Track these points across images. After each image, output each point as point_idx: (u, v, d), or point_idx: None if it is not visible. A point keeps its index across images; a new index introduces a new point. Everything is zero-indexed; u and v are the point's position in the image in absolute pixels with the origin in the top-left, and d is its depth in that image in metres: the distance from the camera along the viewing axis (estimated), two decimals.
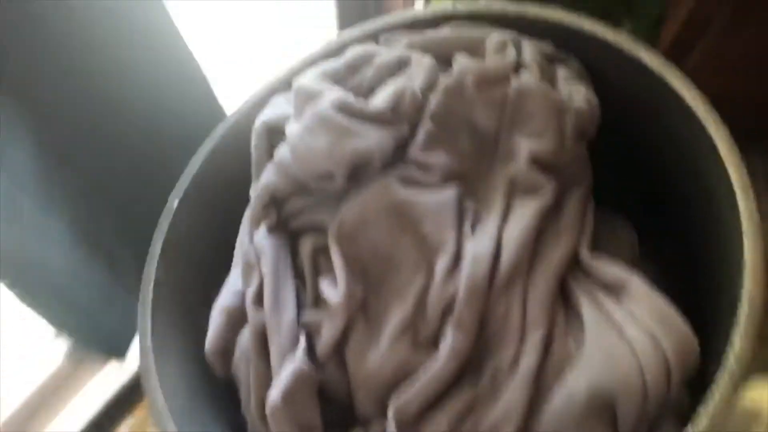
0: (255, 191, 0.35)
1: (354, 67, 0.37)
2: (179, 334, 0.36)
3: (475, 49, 0.36)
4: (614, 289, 0.31)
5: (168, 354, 0.35)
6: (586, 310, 0.31)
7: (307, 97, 0.34)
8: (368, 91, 0.37)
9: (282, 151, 0.34)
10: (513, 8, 0.38)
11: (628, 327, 0.29)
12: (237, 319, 0.34)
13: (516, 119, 0.33)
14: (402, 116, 0.34)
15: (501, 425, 0.29)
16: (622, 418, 0.29)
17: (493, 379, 0.30)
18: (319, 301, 0.33)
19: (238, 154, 0.38)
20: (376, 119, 0.32)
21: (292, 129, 0.33)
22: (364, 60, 0.38)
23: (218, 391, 0.35)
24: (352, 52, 0.38)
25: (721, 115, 0.32)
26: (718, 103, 0.32)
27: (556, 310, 0.31)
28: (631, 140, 0.38)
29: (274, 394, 0.30)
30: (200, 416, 0.34)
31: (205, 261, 0.39)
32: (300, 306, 0.33)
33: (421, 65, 0.35)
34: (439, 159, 0.33)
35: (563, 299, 0.32)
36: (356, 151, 0.31)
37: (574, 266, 0.32)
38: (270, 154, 0.36)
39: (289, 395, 0.30)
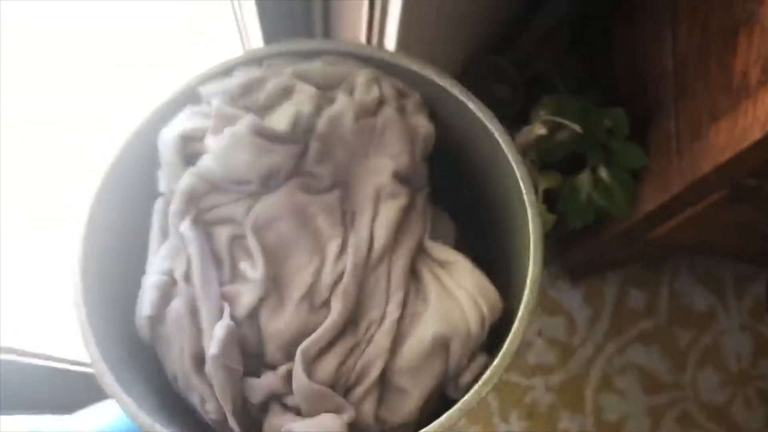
0: (178, 192, 0.43)
1: (248, 89, 0.47)
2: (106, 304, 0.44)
3: (346, 82, 0.47)
4: (447, 266, 0.45)
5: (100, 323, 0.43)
6: (429, 280, 0.44)
7: (225, 119, 0.43)
8: (262, 110, 0.46)
9: (205, 161, 0.43)
10: (373, 53, 0.50)
11: (457, 292, 0.43)
12: (167, 293, 0.43)
13: (381, 143, 0.45)
14: (298, 136, 0.44)
15: (373, 361, 0.42)
16: (453, 353, 0.43)
17: (367, 330, 0.43)
18: (234, 276, 0.44)
19: (143, 157, 0.46)
20: (281, 139, 0.43)
21: (215, 144, 0.42)
22: (257, 83, 0.47)
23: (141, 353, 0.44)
24: (246, 76, 0.47)
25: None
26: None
27: (409, 280, 0.44)
28: (453, 155, 0.52)
29: (214, 347, 0.40)
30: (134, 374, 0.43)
31: (121, 247, 0.47)
32: (220, 283, 0.43)
33: (307, 94, 0.46)
34: (325, 170, 0.45)
35: (413, 272, 0.45)
36: (270, 165, 0.42)
37: (420, 249, 0.46)
38: (184, 160, 0.45)
39: (223, 346, 0.40)
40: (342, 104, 0.45)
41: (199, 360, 0.41)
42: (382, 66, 0.48)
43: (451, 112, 0.48)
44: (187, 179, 0.43)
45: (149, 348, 0.44)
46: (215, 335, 0.40)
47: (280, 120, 0.44)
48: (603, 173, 0.75)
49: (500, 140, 0.45)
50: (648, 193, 0.72)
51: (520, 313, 0.41)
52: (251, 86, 0.46)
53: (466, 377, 0.43)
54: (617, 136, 0.75)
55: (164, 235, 0.45)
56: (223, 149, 0.42)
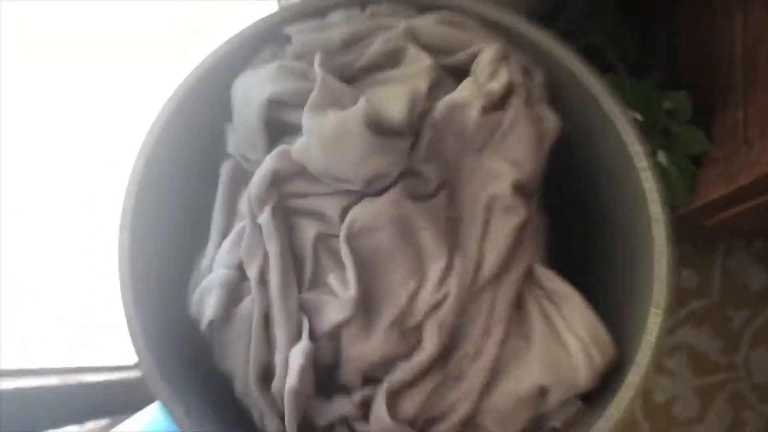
0: (261, 174, 0.36)
1: (348, 44, 0.39)
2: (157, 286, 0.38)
3: (466, 54, 0.40)
4: (556, 300, 0.39)
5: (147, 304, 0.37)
6: (535, 315, 0.38)
7: (331, 95, 0.35)
8: (359, 72, 0.39)
9: (302, 147, 0.35)
10: (505, 18, 0.42)
11: (567, 336, 0.37)
12: (235, 292, 0.37)
13: (503, 143, 0.38)
14: (413, 126, 0.37)
15: (461, 401, 0.37)
16: (550, 403, 0.38)
17: (459, 364, 0.37)
18: (316, 281, 0.38)
19: (204, 108, 0.39)
20: (396, 132, 0.36)
21: (317, 130, 0.35)
22: (359, 38, 0.39)
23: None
24: (348, 28, 0.39)
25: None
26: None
27: (512, 313, 0.38)
28: (561, 150, 0.44)
29: (292, 379, 0.34)
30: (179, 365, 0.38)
31: (175, 215, 0.40)
32: (299, 286, 0.37)
33: (423, 66, 0.38)
34: (434, 169, 0.37)
35: (517, 302, 0.39)
36: (380, 167, 0.35)
37: (527, 276, 0.39)
38: (267, 126, 0.38)
39: (302, 378, 0.34)
40: (468, 90, 0.37)
41: (265, 375, 0.36)
42: (507, 34, 0.41)
43: (573, 96, 0.41)
44: (273, 161, 0.36)
45: (201, 346, 0.39)
46: (294, 364, 0.34)
47: (394, 105, 0.36)
48: (662, 158, 0.69)
49: (624, 133, 0.38)
50: (710, 181, 0.68)
51: (629, 377, 0.35)
52: (353, 40, 0.39)
53: (554, 421, 0.38)
54: (678, 119, 0.68)
55: (230, 210, 0.39)
56: (328, 141, 0.34)
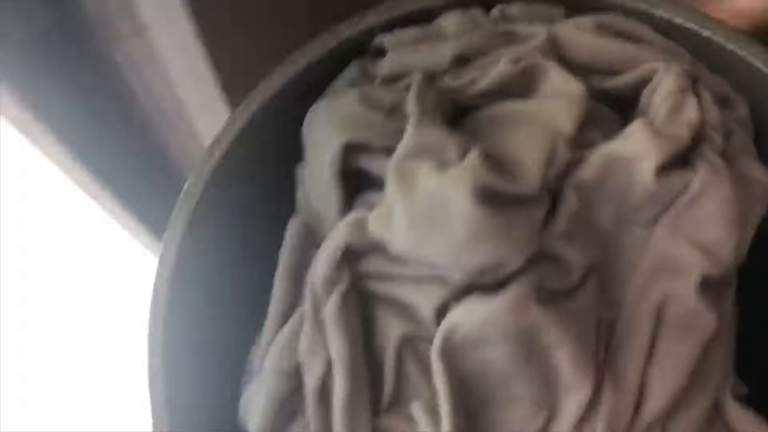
0: (328, 249, 0.26)
1: (462, 63, 0.28)
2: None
3: (633, 74, 0.28)
4: None
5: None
6: None
7: (432, 149, 0.24)
8: (476, 104, 0.28)
9: (380, 218, 0.24)
10: (699, 22, 0.29)
11: None
12: (287, 410, 0.27)
13: (689, 221, 0.25)
14: (548, 187, 0.25)
15: None
16: None
17: None
18: (399, 403, 0.26)
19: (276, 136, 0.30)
20: (523, 203, 0.24)
21: (403, 201, 0.23)
22: (478, 54, 0.28)
23: None
24: (464, 40, 0.28)
25: None
26: None
27: None
28: None
29: None
30: None
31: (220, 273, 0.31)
32: (373, 404, 0.27)
33: (569, 98, 0.26)
34: (577, 252, 0.25)
35: None
36: (494, 257, 0.23)
37: (713, 412, 0.26)
38: (343, 183, 0.27)
39: None
40: (639, 137, 0.25)
41: None
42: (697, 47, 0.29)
43: None
44: (345, 231, 0.26)
45: None
46: None
47: (524, 160, 0.25)
48: None
49: None
50: None
51: None
52: (469, 57, 0.28)
53: None
54: None
55: (296, 282, 0.28)
56: (418, 215, 0.23)
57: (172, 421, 0.27)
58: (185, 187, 0.30)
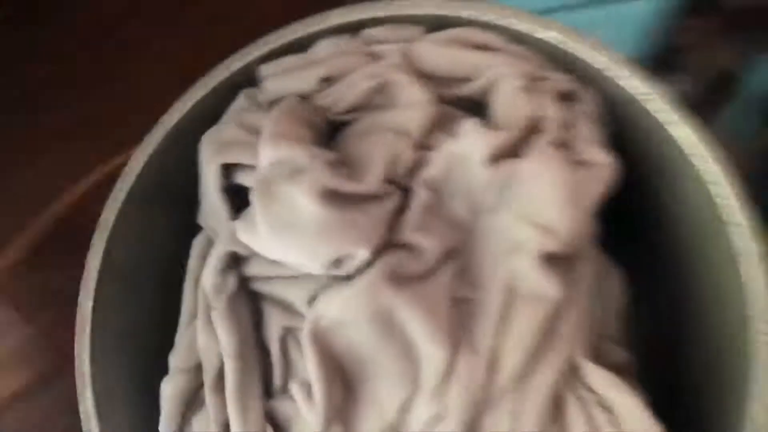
0: (212, 260, 0.30)
1: (328, 81, 0.32)
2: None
3: (481, 81, 0.31)
4: (613, 410, 0.28)
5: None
6: (577, 426, 0.28)
7: (283, 170, 0.28)
8: (345, 112, 0.31)
9: (246, 228, 0.28)
10: (530, 27, 0.33)
11: None
12: (193, 401, 0.30)
13: (525, 204, 0.28)
14: (395, 185, 0.29)
15: None
16: None
17: None
18: (286, 388, 0.30)
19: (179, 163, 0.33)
20: (367, 199, 0.28)
21: (262, 214, 0.27)
22: (342, 74, 0.32)
23: None
24: (331, 65, 0.32)
25: None
26: None
27: (546, 425, 0.28)
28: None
29: None
30: None
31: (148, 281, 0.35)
32: (266, 390, 0.30)
33: (416, 109, 0.30)
34: (432, 241, 0.29)
35: (554, 407, 0.29)
36: (341, 249, 0.27)
37: (570, 372, 0.29)
38: (227, 194, 0.31)
39: None
40: (471, 139, 0.28)
41: None
42: (553, 56, 0.32)
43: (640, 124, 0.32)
44: (226, 242, 0.30)
45: None
46: None
47: (369, 163, 0.28)
48: None
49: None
50: None
51: None
52: (334, 78, 0.32)
53: None
54: None
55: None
56: (271, 225, 0.27)
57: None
58: (102, 216, 0.33)
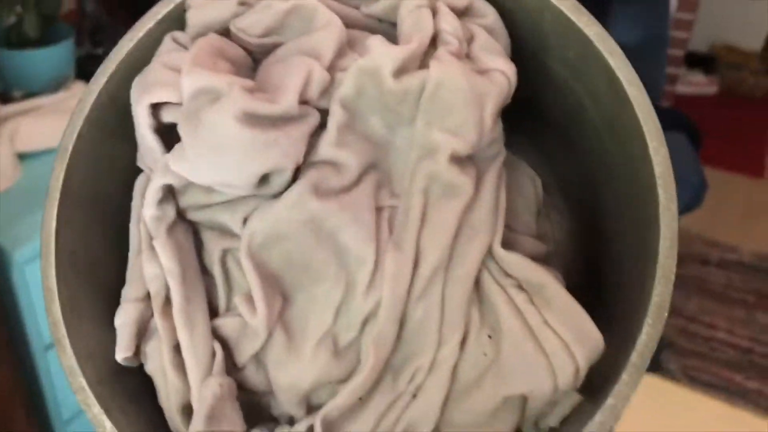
0: (149, 192, 0.32)
1: (247, 4, 0.33)
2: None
3: (384, 5, 0.33)
4: (529, 288, 0.32)
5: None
6: (503, 312, 0.31)
7: (205, 98, 0.29)
8: (261, 35, 0.33)
9: (178, 159, 0.30)
10: None
11: (544, 334, 0.31)
12: (146, 328, 0.32)
13: (434, 112, 0.31)
14: (311, 105, 0.31)
15: (420, 420, 0.31)
16: (531, 408, 0.32)
17: (412, 379, 0.31)
18: (231, 303, 0.33)
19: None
20: (285, 120, 0.30)
21: (190, 142, 0.29)
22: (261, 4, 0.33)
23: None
24: None
25: None
26: None
27: (472, 309, 0.32)
28: (537, 77, 0.37)
29: (198, 421, 0.29)
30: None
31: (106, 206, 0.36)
32: (212, 309, 0.32)
33: (328, 32, 0.32)
34: (351, 154, 0.31)
35: (478, 295, 0.32)
36: (264, 167, 0.29)
37: (488, 260, 0.32)
38: (158, 133, 0.32)
39: (210, 418, 0.30)
40: (378, 53, 0.30)
41: (190, 413, 0.31)
42: None
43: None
44: (161, 174, 0.31)
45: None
46: (201, 405, 0.30)
47: (285, 86, 0.30)
48: None
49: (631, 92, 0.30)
50: None
51: (628, 369, 0.29)
52: (249, 2, 0.33)
53: (550, 421, 0.32)
54: None
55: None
56: (199, 150, 0.29)
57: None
58: (60, 143, 0.34)
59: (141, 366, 0.34)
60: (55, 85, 1.25)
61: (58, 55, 1.25)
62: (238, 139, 0.28)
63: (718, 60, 2.89)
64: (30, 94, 1.22)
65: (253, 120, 0.28)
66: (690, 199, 0.67)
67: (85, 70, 1.32)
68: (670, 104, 2.61)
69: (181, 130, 0.29)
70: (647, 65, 0.48)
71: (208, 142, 0.29)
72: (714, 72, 2.90)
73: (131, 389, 0.34)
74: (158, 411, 0.34)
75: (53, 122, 1.16)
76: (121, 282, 0.34)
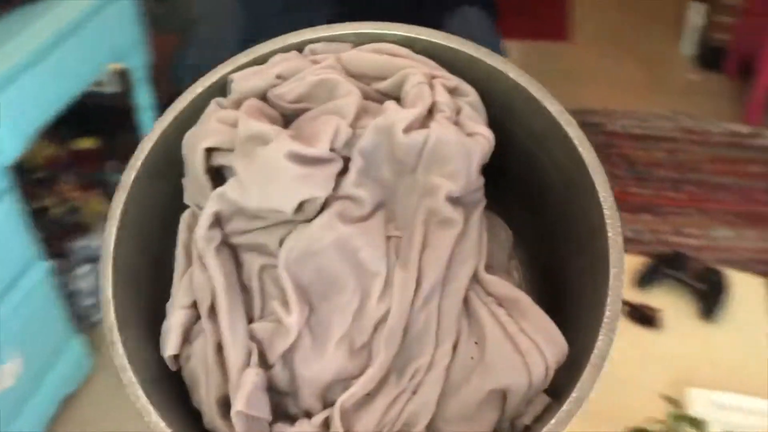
0: (203, 216, 0.39)
1: (283, 78, 0.42)
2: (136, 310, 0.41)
3: (393, 81, 0.42)
4: (507, 305, 0.40)
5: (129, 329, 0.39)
6: (487, 323, 0.39)
7: (257, 141, 0.38)
8: (293, 101, 0.42)
9: (232, 188, 0.38)
10: (430, 38, 0.45)
11: (519, 338, 0.38)
12: (191, 330, 0.39)
13: (433, 161, 0.39)
14: (337, 153, 0.39)
15: (420, 412, 0.38)
16: (510, 403, 0.39)
17: (413, 377, 0.38)
18: (265, 311, 0.40)
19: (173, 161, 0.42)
20: (320, 161, 0.38)
21: (244, 172, 0.37)
22: (291, 72, 0.42)
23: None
24: (284, 66, 0.42)
25: None
26: None
27: (461, 320, 0.39)
28: (507, 149, 0.45)
29: (239, 403, 0.36)
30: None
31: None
32: (249, 317, 0.39)
33: (350, 99, 0.40)
34: (367, 193, 0.39)
35: (466, 309, 0.40)
36: (305, 194, 0.37)
37: (474, 282, 0.40)
38: (210, 173, 0.40)
39: (248, 401, 0.36)
40: (392, 113, 0.39)
41: (225, 405, 0.37)
42: (433, 53, 0.44)
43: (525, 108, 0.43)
44: (213, 203, 0.39)
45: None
46: (240, 389, 0.36)
47: (319, 136, 0.38)
48: None
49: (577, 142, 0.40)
50: None
51: (589, 367, 0.36)
52: (287, 75, 0.42)
53: (525, 420, 0.39)
54: None
55: (188, 254, 0.41)
56: (253, 179, 0.37)
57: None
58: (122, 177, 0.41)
59: (170, 376, 0.40)
60: None
61: None
62: (286, 171, 0.36)
63: None
64: None
65: (297, 158, 0.36)
66: None
67: None
68: None
69: (237, 165, 0.37)
70: None
71: (261, 173, 0.37)
72: None
73: (166, 391, 0.40)
74: (186, 415, 0.39)
75: None
76: (155, 298, 0.41)
